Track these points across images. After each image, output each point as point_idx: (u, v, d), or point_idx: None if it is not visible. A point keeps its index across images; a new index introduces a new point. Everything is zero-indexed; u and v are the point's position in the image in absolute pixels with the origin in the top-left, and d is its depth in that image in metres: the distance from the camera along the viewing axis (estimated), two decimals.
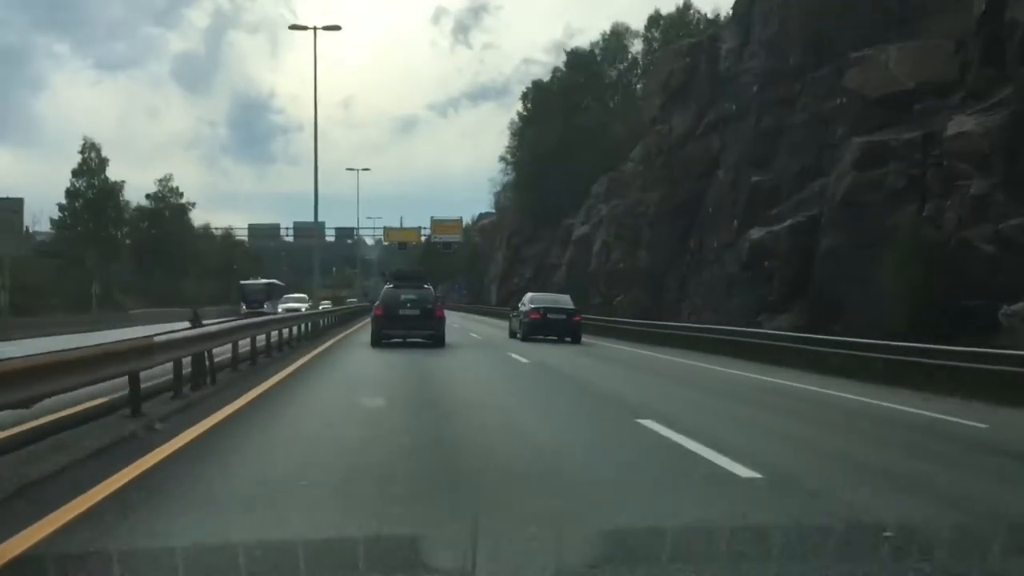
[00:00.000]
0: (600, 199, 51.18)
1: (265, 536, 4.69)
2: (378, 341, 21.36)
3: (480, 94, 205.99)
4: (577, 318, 25.92)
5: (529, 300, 27.05)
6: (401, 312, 21.37)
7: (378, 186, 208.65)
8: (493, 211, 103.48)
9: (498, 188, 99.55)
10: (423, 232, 76.13)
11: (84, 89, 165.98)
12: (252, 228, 75.47)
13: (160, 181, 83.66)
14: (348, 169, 73.31)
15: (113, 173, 79.96)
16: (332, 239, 74.59)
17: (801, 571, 4.41)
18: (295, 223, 75.42)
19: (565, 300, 27.39)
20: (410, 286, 22.33)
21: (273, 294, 55.10)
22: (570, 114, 68.74)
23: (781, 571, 4.40)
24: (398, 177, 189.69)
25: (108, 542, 4.53)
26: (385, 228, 75.97)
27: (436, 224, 75.50)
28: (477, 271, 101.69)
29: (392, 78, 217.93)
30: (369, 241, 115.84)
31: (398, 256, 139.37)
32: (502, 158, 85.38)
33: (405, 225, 77.73)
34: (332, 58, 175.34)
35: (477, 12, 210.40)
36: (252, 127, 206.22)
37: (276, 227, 75.08)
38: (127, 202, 69.13)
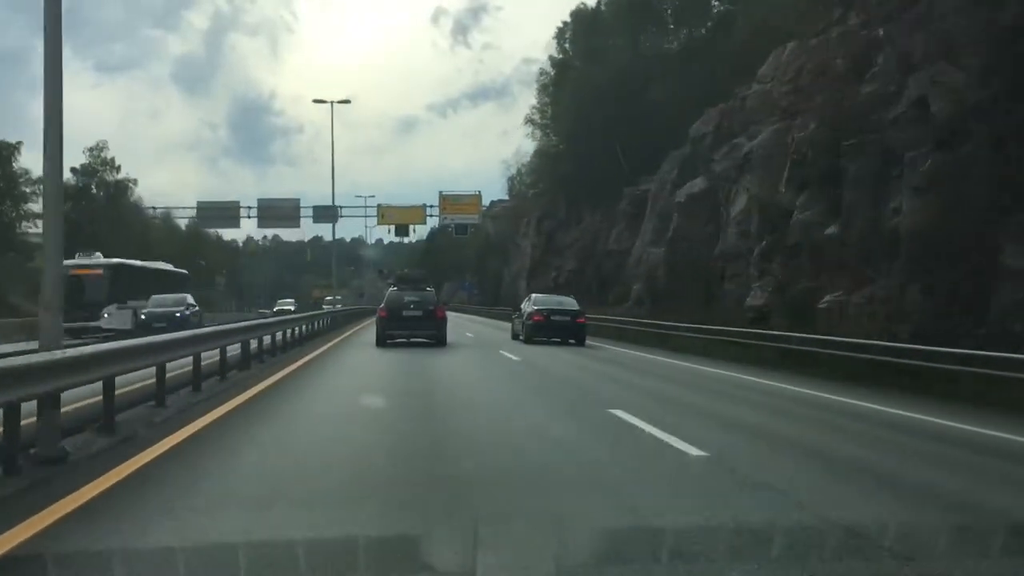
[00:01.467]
0: (710, 141, 32.86)
1: (265, 534, 4.76)
2: (383, 341, 22.12)
3: (480, 94, 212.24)
4: (581, 320, 25.44)
5: (532, 302, 26.52)
6: (404, 313, 22.38)
7: (379, 186, 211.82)
8: (507, 198, 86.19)
9: (512, 171, 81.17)
10: (429, 211, 57.65)
11: (84, 91, 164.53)
12: (202, 207, 56.65)
13: (91, 151, 65.41)
14: (316, 101, 51.80)
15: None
16: (309, 217, 55.83)
17: (801, 571, 4.39)
18: (259, 200, 56.87)
19: (569, 302, 27.00)
20: (413, 288, 23.27)
21: (135, 290, 31.17)
22: (630, 43, 50.53)
23: (781, 571, 4.40)
24: (399, 176, 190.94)
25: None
26: (380, 207, 57.36)
27: (447, 201, 57.04)
28: (492, 266, 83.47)
29: (392, 78, 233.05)
30: (368, 239, 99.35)
31: (398, 251, 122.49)
32: (528, 120, 66.93)
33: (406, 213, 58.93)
34: (332, 59, 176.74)
35: (476, 12, 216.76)
36: (252, 129, 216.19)
37: (234, 205, 56.35)
38: (25, 171, 50.47)
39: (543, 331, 24.46)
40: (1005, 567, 4.65)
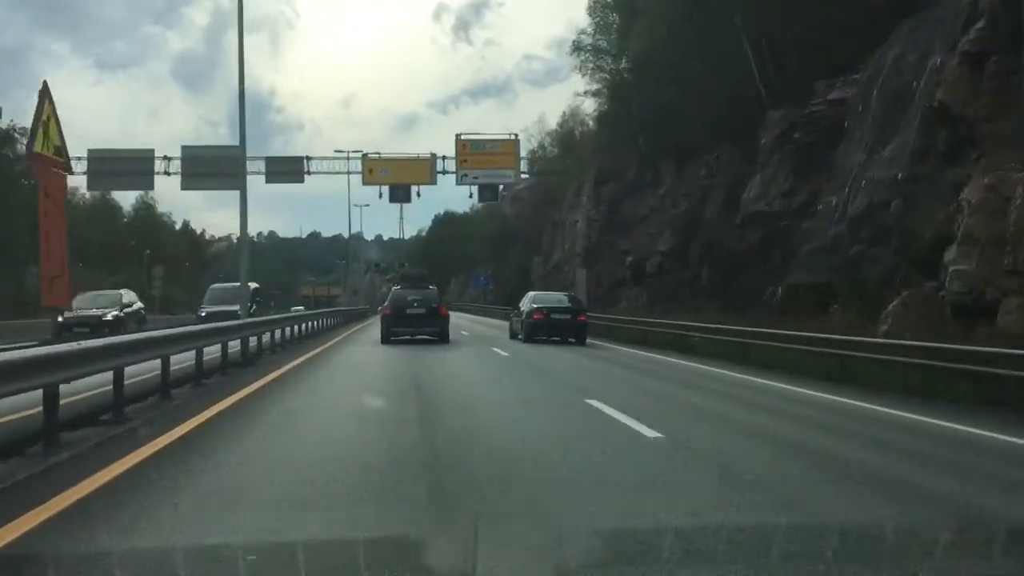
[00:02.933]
0: None
1: (265, 535, 4.68)
2: (387, 338, 22.63)
3: (481, 91, 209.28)
4: (582, 318, 24.86)
5: (532, 299, 25.96)
6: (408, 311, 23.01)
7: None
8: (525, 175, 67.01)
9: (534, 144, 61.17)
10: (439, 163, 38.47)
11: (84, 89, 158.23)
12: (95, 158, 37.42)
13: None
14: None
15: None
16: (261, 175, 36.86)
17: (801, 571, 4.27)
18: (183, 147, 37.81)
19: (567, 300, 26.50)
20: (416, 287, 23.98)
21: None
22: None
23: (781, 571, 4.32)
24: None
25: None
26: (365, 157, 38.32)
27: (468, 150, 37.89)
28: (514, 255, 64.37)
29: (393, 76, 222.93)
30: (362, 227, 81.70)
31: (397, 248, 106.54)
32: (576, 47, 47.27)
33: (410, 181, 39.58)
34: (333, 56, 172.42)
35: (478, 8, 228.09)
36: (252, 126, 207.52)
37: (146, 155, 37.41)
38: None
39: (543, 330, 24.09)
40: None
